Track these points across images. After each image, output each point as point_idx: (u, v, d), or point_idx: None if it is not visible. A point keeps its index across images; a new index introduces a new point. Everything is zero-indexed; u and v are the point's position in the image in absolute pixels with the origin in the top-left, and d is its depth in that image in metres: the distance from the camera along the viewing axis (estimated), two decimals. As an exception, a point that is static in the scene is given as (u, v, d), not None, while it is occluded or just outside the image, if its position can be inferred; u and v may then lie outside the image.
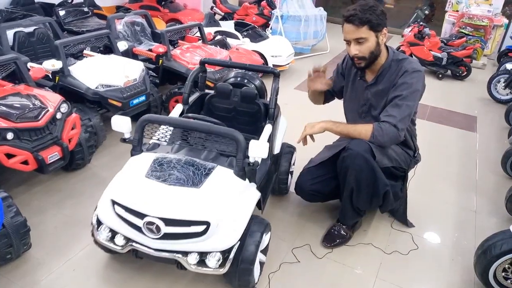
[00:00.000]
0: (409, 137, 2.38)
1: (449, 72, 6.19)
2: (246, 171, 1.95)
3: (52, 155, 2.57)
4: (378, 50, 2.14)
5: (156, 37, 4.52)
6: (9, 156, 2.39)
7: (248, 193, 1.99)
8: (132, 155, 2.05)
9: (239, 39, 5.44)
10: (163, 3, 7.29)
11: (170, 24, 5.22)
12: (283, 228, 2.57)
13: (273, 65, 5.29)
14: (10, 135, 2.39)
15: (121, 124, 2.01)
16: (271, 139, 2.33)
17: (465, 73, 6.12)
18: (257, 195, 2.03)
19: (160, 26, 5.58)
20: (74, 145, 2.77)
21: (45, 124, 2.54)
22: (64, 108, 2.72)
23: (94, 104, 3.28)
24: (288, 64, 5.64)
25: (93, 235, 2.01)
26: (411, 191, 2.73)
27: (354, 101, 2.42)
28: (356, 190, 2.27)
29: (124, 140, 2.08)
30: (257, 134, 2.32)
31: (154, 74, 4.06)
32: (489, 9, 7.19)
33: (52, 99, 2.71)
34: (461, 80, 6.21)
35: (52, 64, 3.08)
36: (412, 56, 6.28)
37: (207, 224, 1.75)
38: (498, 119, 4.81)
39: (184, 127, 2.09)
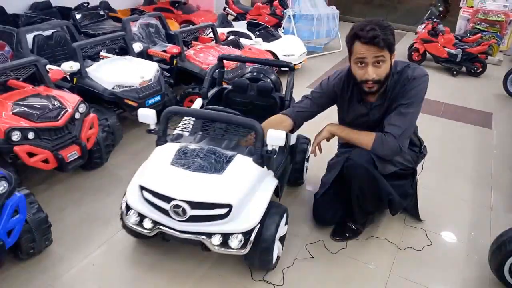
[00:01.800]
0: (412, 134, 2.32)
1: (463, 68, 6.11)
2: (264, 158, 2.04)
3: (71, 154, 2.65)
4: (390, 71, 2.06)
5: (170, 38, 4.59)
6: (31, 155, 2.48)
7: (266, 180, 2.11)
8: (157, 145, 2.17)
9: (251, 39, 5.48)
10: (176, 5, 7.39)
11: (184, 25, 5.29)
12: (296, 224, 2.60)
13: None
14: (31, 135, 2.47)
15: (147, 116, 2.13)
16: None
17: (481, 69, 6.03)
18: (274, 181, 2.14)
19: (174, 27, 5.66)
20: (92, 144, 2.85)
21: (64, 123, 2.62)
22: (82, 108, 2.80)
23: (111, 105, 3.37)
24: (301, 63, 5.65)
25: (122, 220, 2.13)
26: (426, 188, 2.73)
27: (358, 123, 2.29)
28: (361, 198, 2.30)
29: (149, 131, 2.19)
30: None
31: (169, 75, 4.13)
32: (505, 4, 7.06)
33: (70, 100, 2.79)
34: (476, 76, 6.13)
35: (70, 66, 3.17)
36: (426, 53, 6.24)
37: (230, 206, 1.86)
38: (514, 115, 4.75)
39: (206, 118, 2.21)
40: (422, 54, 6.28)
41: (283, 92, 2.72)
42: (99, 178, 3.03)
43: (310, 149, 2.42)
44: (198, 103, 2.66)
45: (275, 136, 1.96)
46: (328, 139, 2.36)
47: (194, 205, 1.85)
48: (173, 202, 1.86)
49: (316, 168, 3.00)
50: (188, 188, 1.88)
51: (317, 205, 2.59)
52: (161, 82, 3.60)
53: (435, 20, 6.43)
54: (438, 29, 6.06)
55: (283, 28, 6.39)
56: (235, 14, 7.41)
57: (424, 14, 8.01)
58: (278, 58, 5.30)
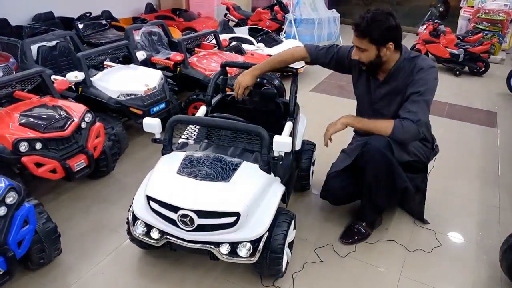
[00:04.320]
0: (426, 129, 2.38)
1: (466, 68, 6.11)
2: (271, 165, 2.04)
3: (78, 163, 2.66)
4: (379, 61, 2.15)
5: (173, 45, 4.62)
6: (38, 165, 2.49)
7: (273, 186, 2.10)
8: (163, 154, 2.17)
9: (253, 44, 5.50)
10: (177, 12, 7.43)
11: (186, 33, 5.33)
12: (304, 228, 2.59)
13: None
14: (38, 145, 2.49)
15: (152, 125, 2.13)
16: (292, 136, 2.41)
17: (483, 68, 6.03)
18: (281, 188, 2.13)
19: (176, 35, 5.69)
20: (99, 153, 2.86)
21: (71, 133, 2.63)
22: (88, 117, 2.82)
23: (116, 113, 3.38)
24: (303, 67, 5.65)
25: (129, 231, 2.11)
26: (433, 189, 2.71)
27: (366, 96, 2.41)
28: (374, 185, 2.30)
29: (155, 140, 2.20)
30: (278, 132, 2.41)
31: (173, 82, 4.15)
32: (505, 3, 7.07)
33: (76, 109, 2.81)
34: (479, 76, 6.12)
35: (75, 76, 3.20)
36: (428, 54, 6.24)
37: (237, 215, 1.85)
38: (518, 114, 4.74)
39: (211, 126, 2.22)
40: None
41: (287, 98, 2.71)
42: (106, 186, 3.04)
43: (318, 146, 2.40)
44: (202, 110, 2.65)
45: (281, 142, 1.97)
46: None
47: (202, 214, 1.85)
48: (181, 212, 1.86)
49: (322, 172, 2.99)
50: (195, 197, 1.88)
51: (327, 182, 2.55)
52: (166, 90, 3.62)
53: (436, 20, 6.45)
54: (439, 29, 6.07)
55: (285, 32, 6.42)
56: (236, 20, 7.45)
57: (424, 15, 8.04)
58: (280, 63, 5.31)
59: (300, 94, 2.71)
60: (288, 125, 2.41)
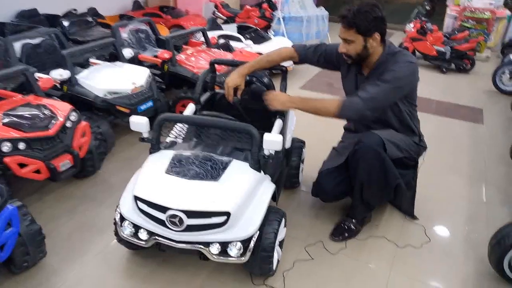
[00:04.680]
0: (409, 120, 2.38)
1: (453, 66, 6.18)
2: (261, 163, 2.02)
3: (63, 163, 2.61)
4: (366, 52, 2.17)
5: (161, 43, 4.55)
6: (22, 165, 2.43)
7: (264, 185, 2.08)
8: (150, 153, 2.13)
9: (242, 41, 5.47)
10: (165, 10, 7.35)
11: (173, 30, 5.27)
12: (294, 226, 2.58)
13: (277, 66, 5.29)
14: (22, 145, 2.43)
15: (140, 123, 2.08)
16: (282, 134, 2.39)
17: (469, 66, 6.10)
18: (272, 186, 2.11)
19: (163, 32, 5.62)
20: (85, 153, 2.80)
21: (55, 133, 2.57)
22: (74, 116, 2.76)
23: (103, 112, 3.32)
24: (292, 65, 5.64)
25: (116, 232, 2.07)
26: (421, 185, 2.72)
27: (354, 92, 2.35)
28: (366, 183, 2.30)
29: (142, 139, 2.15)
30: (267, 130, 2.40)
31: (160, 80, 4.09)
32: (491, 2, 7.16)
33: (61, 108, 2.75)
34: (466, 73, 6.19)
35: (60, 74, 3.13)
36: (415, 52, 6.29)
37: (228, 214, 1.82)
38: (504, 110, 4.80)
39: (200, 125, 2.20)
40: (411, 53, 6.33)
41: None
42: (92, 186, 2.98)
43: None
44: (190, 108, 2.62)
45: (272, 140, 1.94)
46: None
47: (191, 214, 1.82)
48: (169, 212, 1.82)
49: (312, 170, 2.98)
50: (184, 197, 1.84)
51: (319, 179, 2.53)
52: (153, 88, 3.57)
53: (423, 19, 6.49)
54: (426, 27, 6.12)
55: (273, 30, 6.39)
56: (225, 18, 7.39)
57: (411, 13, 8.10)
58: (269, 60, 5.28)
59: (290, 91, 2.69)
60: (278, 123, 2.40)
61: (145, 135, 2.14)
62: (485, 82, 5.73)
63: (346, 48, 2.18)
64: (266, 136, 1.94)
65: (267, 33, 6.05)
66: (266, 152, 2.00)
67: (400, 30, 8.65)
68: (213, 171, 1.95)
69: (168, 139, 2.35)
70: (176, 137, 2.39)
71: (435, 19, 8.62)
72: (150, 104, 3.47)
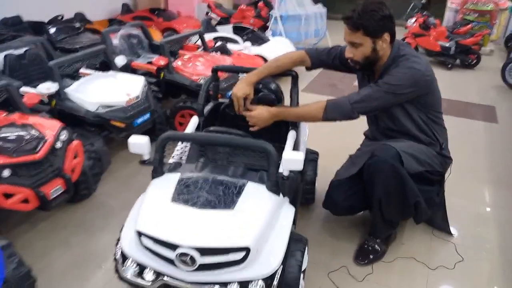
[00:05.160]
0: (427, 127, 2.15)
1: (458, 61, 5.97)
2: (279, 185, 1.77)
3: (54, 189, 2.33)
4: (375, 56, 1.99)
5: (155, 48, 4.28)
6: (7, 195, 2.15)
7: (283, 209, 1.83)
8: (153, 177, 1.87)
9: (239, 43, 5.21)
10: (156, 12, 7.08)
11: (167, 34, 4.99)
12: (314, 249, 2.33)
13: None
14: (7, 172, 2.15)
15: (140, 144, 1.82)
16: (296, 147, 2.19)
17: (475, 61, 5.91)
18: (292, 210, 1.87)
19: (156, 36, 5.35)
20: (78, 175, 2.54)
21: (44, 156, 2.30)
22: (64, 135, 2.49)
23: (96, 127, 3.05)
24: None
25: (117, 271, 1.79)
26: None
27: None
28: (384, 200, 2.09)
29: (143, 162, 1.89)
30: (278, 141, 2.24)
31: (156, 88, 3.82)
32: (493, -7, 6.98)
33: (50, 127, 2.47)
34: (471, 68, 6.00)
35: (47, 88, 2.86)
36: (418, 48, 6.07)
37: (247, 250, 1.57)
38: (518, 107, 4.60)
39: (209, 143, 1.97)
40: (414, 49, 6.12)
41: (285, 103, 2.48)
42: (88, 211, 2.71)
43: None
44: (193, 122, 2.38)
45: (292, 159, 1.70)
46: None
47: (205, 251, 1.56)
48: (179, 250, 1.56)
49: (327, 182, 2.74)
50: (196, 231, 1.58)
51: (330, 190, 2.37)
52: (150, 98, 3.30)
53: (424, 13, 6.28)
54: (429, 22, 5.91)
55: (271, 30, 6.14)
56: (219, 19, 7.13)
57: (409, 8, 7.89)
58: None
59: (286, 93, 2.52)
60: (291, 135, 2.18)
61: (146, 157, 1.89)
62: (493, 77, 5.53)
63: (352, 53, 2.00)
64: (286, 154, 1.71)
65: (265, 33, 5.79)
66: (285, 173, 1.76)
67: (400, 26, 8.45)
68: (226, 197, 1.70)
69: (171, 159, 2.10)
70: (180, 157, 2.13)
71: (432, 13, 8.44)
72: (147, 116, 3.21)
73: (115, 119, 2.97)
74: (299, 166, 1.72)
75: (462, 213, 2.69)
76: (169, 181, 1.81)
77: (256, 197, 1.74)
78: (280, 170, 1.79)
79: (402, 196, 2.05)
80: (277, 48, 5.32)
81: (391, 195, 2.06)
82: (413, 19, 6.32)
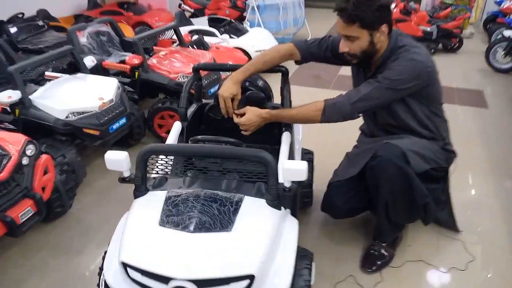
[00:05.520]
0: (429, 121, 1.99)
1: (440, 46, 5.89)
2: (280, 198, 1.57)
3: (24, 212, 2.06)
4: (372, 49, 1.84)
5: (127, 46, 3.97)
6: (-32, 224, 1.88)
7: (287, 224, 1.62)
8: (136, 196, 1.63)
9: (217, 36, 4.95)
10: (125, 6, 6.70)
11: (140, 29, 4.67)
12: (316, 258, 2.12)
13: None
14: (-35, 198, 1.87)
15: (118, 161, 1.59)
16: (291, 149, 1.98)
17: (457, 44, 5.84)
18: (295, 223, 1.66)
19: (127, 31, 5.02)
20: (50, 193, 2.27)
21: (9, 175, 2.02)
22: (31, 150, 2.20)
23: (67, 136, 2.77)
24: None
25: None
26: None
27: None
28: (391, 203, 1.95)
29: (123, 180, 1.66)
30: (270, 143, 2.16)
31: (131, 89, 3.54)
32: (469, -25, 6.92)
33: (13, 141, 2.18)
34: (454, 52, 5.94)
35: (8, 96, 2.55)
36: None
37: (251, 278, 1.36)
38: (505, 90, 4.54)
39: (198, 156, 1.78)
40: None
41: (275, 101, 2.31)
42: (64, 230, 2.45)
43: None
44: (176, 128, 2.14)
45: (294, 169, 1.49)
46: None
47: (203, 283, 1.34)
48: (173, 283, 1.34)
49: (323, 182, 2.55)
50: (191, 260, 1.36)
51: (329, 193, 2.22)
52: (125, 101, 3.02)
53: (402, -2, 6.17)
54: (410, 7, 5.79)
55: (248, 20, 5.89)
56: (192, 10, 6.81)
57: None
58: (249, 55, 4.81)
59: (274, 90, 2.35)
60: (286, 137, 1.98)
61: (126, 173, 1.65)
62: (476, 61, 5.48)
63: (348, 47, 1.84)
64: (287, 164, 1.51)
65: (242, 24, 5.54)
66: (286, 184, 1.55)
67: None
68: (222, 217, 1.47)
69: (154, 173, 1.85)
70: (165, 168, 1.89)
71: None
72: (123, 121, 2.93)
73: (88, 127, 2.68)
74: (302, 177, 1.51)
75: (464, 208, 2.56)
76: (154, 201, 1.57)
77: (255, 214, 1.53)
78: (280, 179, 1.59)
79: (410, 198, 1.91)
80: (257, 39, 5.11)
81: (398, 197, 1.92)
82: (393, 5, 6.18)
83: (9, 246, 2.31)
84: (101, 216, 2.53)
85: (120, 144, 3.15)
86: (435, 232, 2.37)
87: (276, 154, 2.04)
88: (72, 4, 6.60)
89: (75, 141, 2.86)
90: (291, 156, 1.96)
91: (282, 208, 1.62)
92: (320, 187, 2.51)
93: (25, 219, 2.08)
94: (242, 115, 1.97)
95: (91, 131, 2.70)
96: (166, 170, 1.84)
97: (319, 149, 2.72)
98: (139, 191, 1.63)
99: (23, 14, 5.09)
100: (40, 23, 4.91)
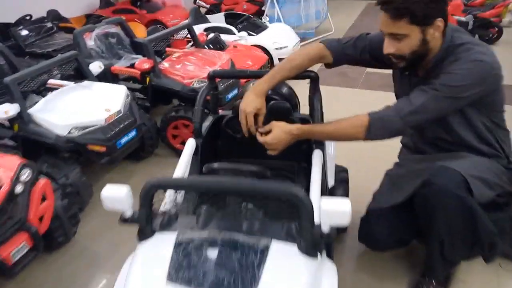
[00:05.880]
0: (491, 134, 1.67)
1: (477, 37, 5.40)
2: (316, 243, 1.27)
3: (17, 248, 1.82)
4: (425, 49, 1.56)
5: (137, 47, 3.69)
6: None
7: (324, 274, 1.31)
8: (140, 239, 1.35)
9: (234, 34, 4.64)
10: (138, 3, 6.47)
11: (152, 29, 4.40)
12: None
13: (278, 59, 4.51)
14: None
15: (117, 198, 1.32)
16: (323, 169, 1.71)
17: (496, 35, 5.35)
18: (334, 270, 1.35)
19: (140, 31, 4.78)
20: (48, 224, 2.01)
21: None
22: (26, 175, 1.94)
23: (71, 153, 2.51)
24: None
25: None
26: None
27: None
28: (448, 242, 1.64)
29: (125, 221, 1.38)
30: (296, 160, 1.98)
31: (142, 96, 3.27)
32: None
33: (6, 166, 1.93)
34: (493, 44, 5.44)
35: (4, 111, 2.31)
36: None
37: None
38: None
39: (213, 192, 1.49)
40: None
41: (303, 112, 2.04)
42: (67, 261, 2.20)
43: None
44: (189, 147, 1.86)
45: (335, 211, 1.19)
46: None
47: None
48: None
49: (358, 202, 2.22)
50: None
51: (368, 221, 1.90)
52: (134, 111, 2.75)
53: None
54: (443, -5, 5.33)
55: (267, 15, 5.56)
56: (208, 6, 6.54)
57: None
58: (269, 54, 4.48)
59: (297, 89, 2.09)
60: (318, 156, 1.71)
61: (129, 213, 1.36)
62: (518, 53, 4.98)
63: (395, 47, 1.56)
64: (325, 204, 1.20)
65: (261, 19, 5.21)
66: (325, 228, 1.23)
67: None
68: (244, 272, 1.17)
69: (162, 206, 1.56)
70: (174, 200, 1.60)
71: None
72: (133, 134, 2.66)
73: (93, 143, 2.43)
74: (345, 220, 1.20)
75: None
76: (161, 247, 1.29)
77: (286, 266, 1.22)
78: (315, 218, 1.27)
79: (472, 235, 1.59)
80: (277, 36, 4.79)
81: (458, 235, 1.61)
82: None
83: (1, 284, 2.06)
84: (108, 245, 2.28)
85: (131, 157, 2.88)
86: (494, 265, 2.02)
87: (304, 173, 1.72)
88: (84, 3, 6.43)
89: (80, 158, 2.60)
90: (323, 183, 1.64)
91: (318, 254, 1.30)
92: (355, 207, 2.18)
93: (18, 257, 1.83)
94: (268, 132, 1.66)
95: (97, 148, 2.45)
96: (176, 197, 1.57)
97: (351, 162, 2.39)
98: (144, 234, 1.34)
99: (30, 16, 4.90)
100: (49, 24, 4.73)
